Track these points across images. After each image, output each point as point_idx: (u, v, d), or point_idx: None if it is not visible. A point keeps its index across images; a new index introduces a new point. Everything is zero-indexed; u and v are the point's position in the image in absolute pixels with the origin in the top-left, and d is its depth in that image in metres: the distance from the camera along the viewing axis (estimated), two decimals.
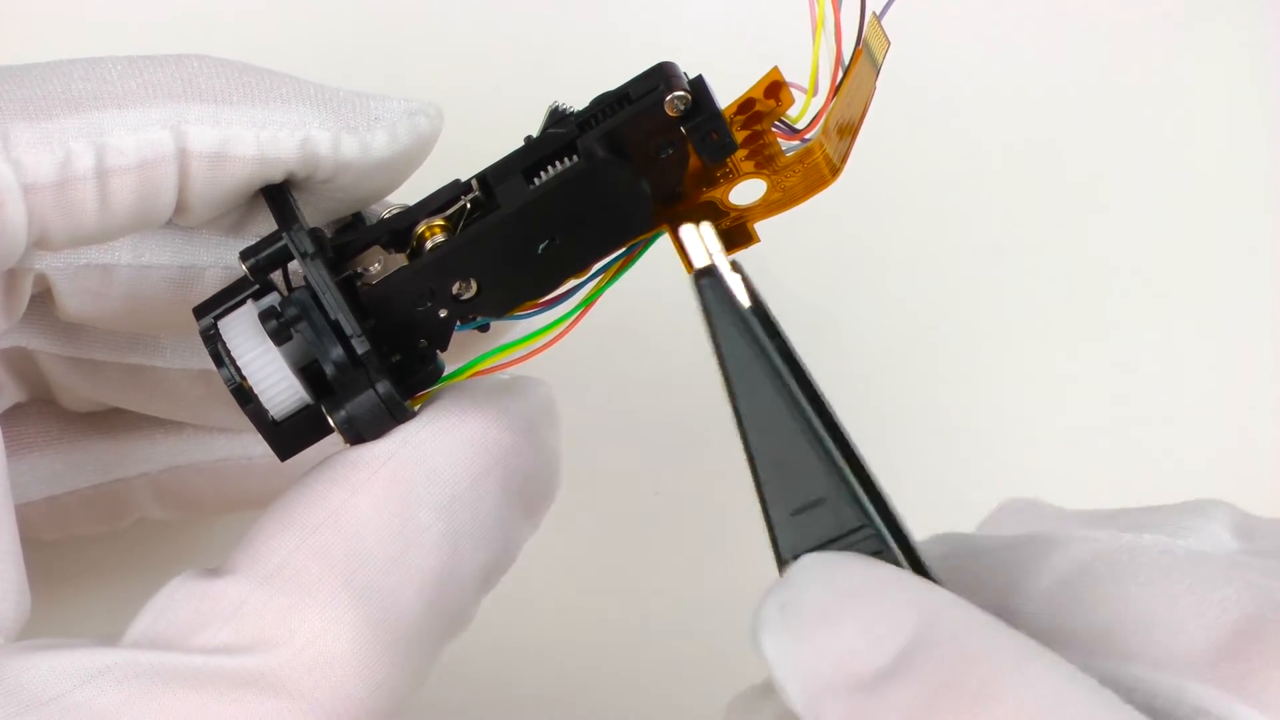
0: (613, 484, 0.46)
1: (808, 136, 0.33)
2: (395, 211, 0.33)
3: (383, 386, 0.31)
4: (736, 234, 0.34)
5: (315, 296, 0.32)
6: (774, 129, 0.33)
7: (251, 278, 0.32)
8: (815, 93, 0.33)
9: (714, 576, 0.46)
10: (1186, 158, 0.50)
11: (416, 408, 0.32)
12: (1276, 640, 0.26)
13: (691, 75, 0.33)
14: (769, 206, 0.34)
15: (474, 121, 0.39)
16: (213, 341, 0.32)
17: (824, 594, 0.27)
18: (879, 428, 0.47)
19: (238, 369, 0.32)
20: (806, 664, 0.27)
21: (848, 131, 0.32)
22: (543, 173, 0.32)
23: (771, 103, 0.33)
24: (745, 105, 0.33)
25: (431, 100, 0.33)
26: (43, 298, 0.34)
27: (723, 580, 0.46)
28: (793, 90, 0.33)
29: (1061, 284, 0.49)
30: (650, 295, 0.40)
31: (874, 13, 0.31)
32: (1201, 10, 0.51)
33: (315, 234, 0.32)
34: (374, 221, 0.34)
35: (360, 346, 0.31)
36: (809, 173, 0.33)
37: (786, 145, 0.33)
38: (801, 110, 0.33)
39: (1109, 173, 0.50)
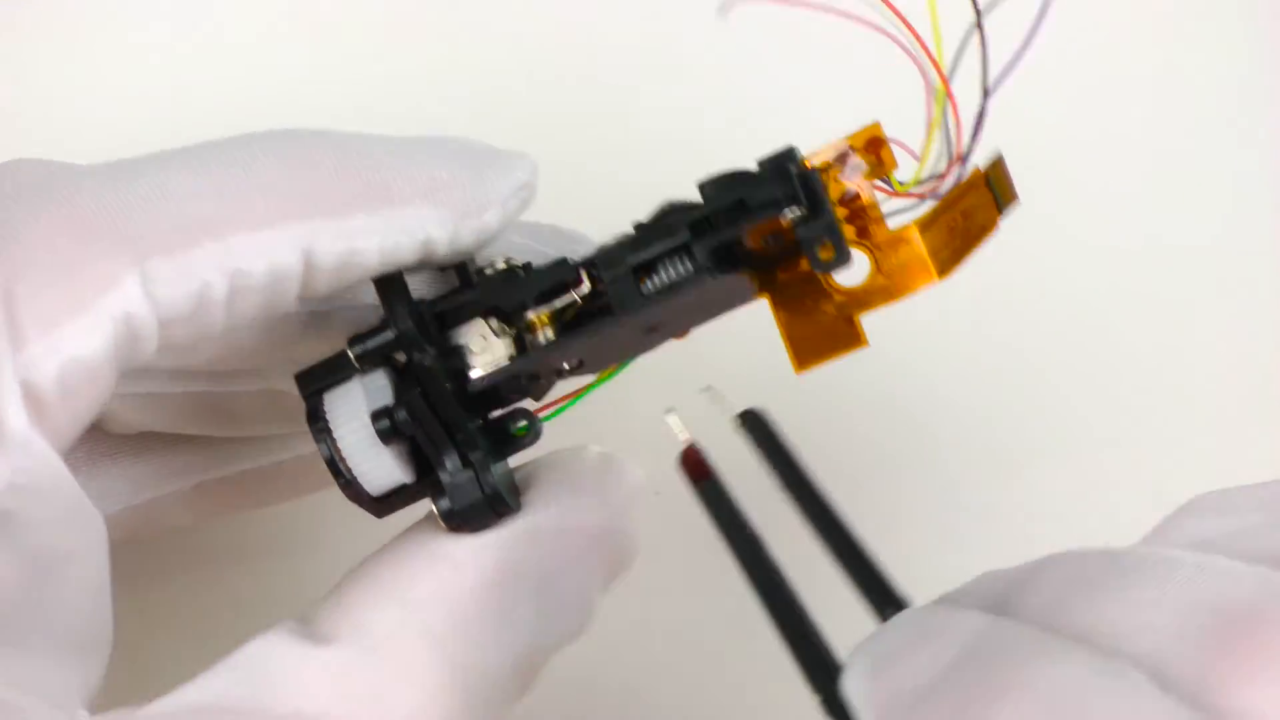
0: None
1: (914, 197, 0.32)
2: (499, 270, 0.33)
3: (490, 488, 0.31)
4: (841, 331, 0.33)
5: (426, 395, 0.32)
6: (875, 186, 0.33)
7: (357, 365, 0.32)
8: (926, 161, 0.32)
9: (714, 577, 0.46)
10: (1187, 158, 0.50)
11: (515, 470, 0.33)
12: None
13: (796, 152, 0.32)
14: (873, 294, 0.32)
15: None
16: (322, 435, 0.32)
17: (894, 638, 0.29)
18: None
19: (341, 454, 0.32)
20: (878, 696, 0.28)
21: (958, 243, 0.32)
22: (654, 275, 0.32)
23: (871, 158, 0.32)
24: (842, 157, 0.32)
25: (530, 159, 0.33)
26: None
27: (723, 580, 0.46)
28: (894, 148, 0.33)
29: (1063, 291, 0.49)
30: None
31: (999, 154, 0.31)
32: (1202, 10, 0.51)
33: (415, 312, 0.32)
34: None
35: (470, 448, 0.32)
36: (911, 258, 0.32)
37: (888, 212, 0.32)
38: (912, 178, 0.32)
39: (1110, 176, 0.50)
